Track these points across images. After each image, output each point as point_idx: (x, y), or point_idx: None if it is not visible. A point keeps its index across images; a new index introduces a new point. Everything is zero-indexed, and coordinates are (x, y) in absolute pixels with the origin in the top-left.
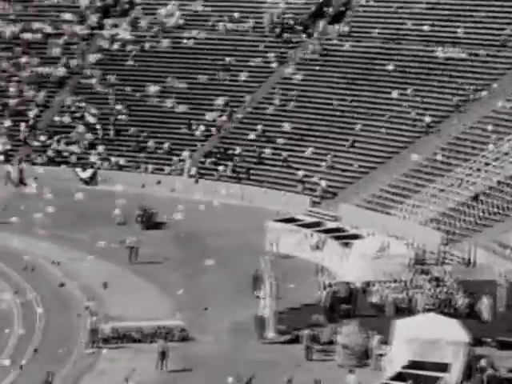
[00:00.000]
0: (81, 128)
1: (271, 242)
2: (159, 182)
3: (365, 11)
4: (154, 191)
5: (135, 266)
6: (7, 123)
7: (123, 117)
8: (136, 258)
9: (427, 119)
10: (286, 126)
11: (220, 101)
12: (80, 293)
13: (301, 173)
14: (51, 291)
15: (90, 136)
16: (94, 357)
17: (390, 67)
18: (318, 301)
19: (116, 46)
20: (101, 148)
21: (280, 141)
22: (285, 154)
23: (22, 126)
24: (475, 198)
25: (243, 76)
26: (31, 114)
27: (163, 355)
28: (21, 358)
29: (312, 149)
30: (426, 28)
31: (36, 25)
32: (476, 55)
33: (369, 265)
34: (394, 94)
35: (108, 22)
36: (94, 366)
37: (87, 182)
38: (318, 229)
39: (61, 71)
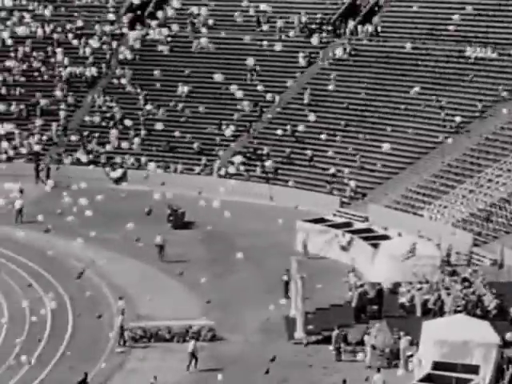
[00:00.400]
0: (111, 128)
1: (304, 243)
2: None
3: (394, 11)
4: (182, 191)
5: (165, 265)
6: (38, 123)
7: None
8: (163, 257)
9: (457, 119)
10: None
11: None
12: (110, 292)
13: (332, 171)
14: (82, 291)
15: (119, 135)
16: (124, 356)
17: (420, 67)
18: (347, 301)
19: (147, 45)
20: (132, 148)
21: (309, 140)
22: (310, 153)
23: (54, 125)
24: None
25: (272, 77)
26: (62, 113)
27: (193, 356)
28: (51, 357)
29: (342, 149)
30: (456, 28)
31: (68, 25)
32: (509, 55)
33: (397, 266)
34: (423, 93)
35: (139, 21)
36: (124, 364)
37: (117, 181)
38: (347, 229)
39: (92, 71)
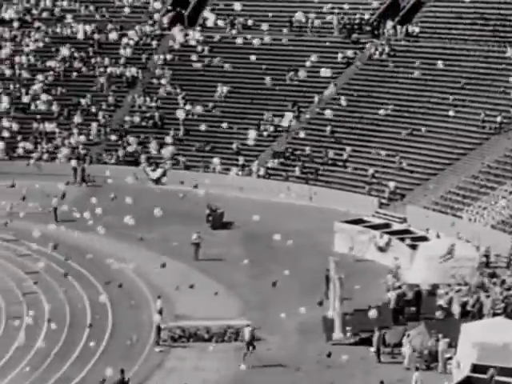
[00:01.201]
0: (150, 128)
1: (349, 245)
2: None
3: (433, 11)
4: (222, 191)
5: (203, 265)
6: (79, 122)
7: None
8: (200, 254)
9: (498, 119)
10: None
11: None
12: (149, 292)
13: (371, 172)
14: (121, 290)
15: (159, 136)
16: (163, 355)
17: (459, 67)
18: (385, 303)
19: (187, 46)
20: (171, 148)
21: (347, 141)
22: (346, 154)
23: (94, 125)
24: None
25: (312, 76)
26: (102, 113)
27: (250, 344)
28: (91, 355)
29: (380, 150)
30: (495, 28)
31: (109, 25)
32: None
33: (436, 267)
34: (462, 94)
35: (178, 22)
36: (163, 364)
37: (157, 181)
38: (385, 230)
39: (132, 71)
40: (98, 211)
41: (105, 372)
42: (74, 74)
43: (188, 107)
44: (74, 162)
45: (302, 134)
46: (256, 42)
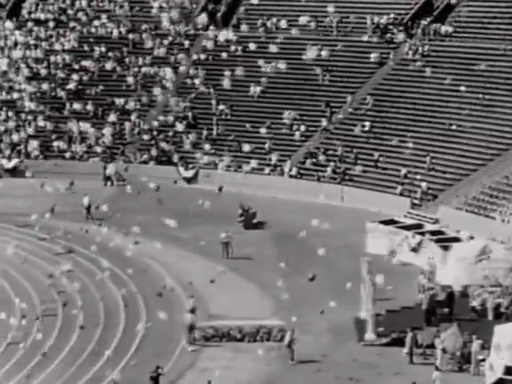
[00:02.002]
0: (183, 128)
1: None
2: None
3: (467, 10)
4: (254, 191)
5: (235, 264)
6: (113, 122)
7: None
8: (230, 253)
9: None
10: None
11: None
12: (182, 291)
13: (403, 172)
14: (155, 290)
15: (193, 135)
16: (196, 354)
17: (492, 67)
18: (418, 303)
19: (220, 46)
20: (205, 147)
21: (379, 141)
22: (377, 154)
23: (127, 125)
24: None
25: (344, 77)
26: (136, 113)
27: (289, 347)
28: (124, 354)
29: (412, 150)
30: None
31: (143, 25)
32: None
33: (468, 268)
34: (497, 94)
35: (213, 22)
36: (195, 363)
37: (189, 180)
38: (417, 231)
39: (165, 71)
40: (129, 210)
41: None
42: (108, 73)
43: (221, 107)
44: (103, 162)
45: (333, 135)
46: (287, 42)
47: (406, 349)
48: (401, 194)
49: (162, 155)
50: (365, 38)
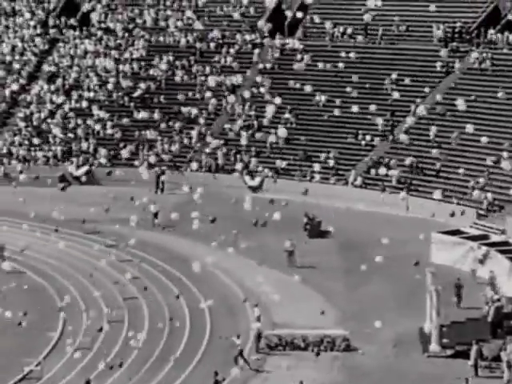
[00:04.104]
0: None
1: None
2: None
3: None
4: (317, 200)
5: (299, 273)
6: (178, 130)
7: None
8: (294, 262)
9: None
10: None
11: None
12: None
13: (471, 184)
14: (218, 296)
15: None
16: (260, 363)
17: None
18: (484, 315)
19: (286, 54)
20: (269, 157)
21: (446, 151)
22: (439, 165)
23: (194, 133)
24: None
25: (410, 85)
26: (202, 121)
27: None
28: (189, 361)
29: (480, 160)
30: None
31: (210, 34)
32: None
33: None
34: None
35: (279, 31)
36: (259, 371)
37: (255, 189)
38: (483, 242)
39: (232, 80)
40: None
41: None
42: (176, 82)
43: (286, 115)
44: (158, 170)
45: (398, 144)
46: (353, 50)
47: (471, 361)
48: (466, 205)
49: (227, 164)
50: (431, 47)
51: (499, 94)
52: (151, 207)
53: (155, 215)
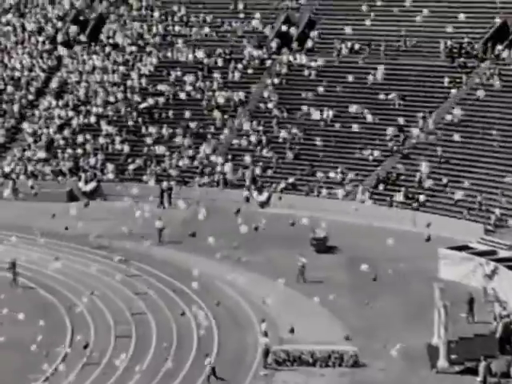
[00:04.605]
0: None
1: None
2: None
3: None
4: (325, 215)
5: (306, 288)
6: (188, 146)
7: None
8: (304, 279)
9: None
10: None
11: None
12: (253, 314)
13: (478, 199)
14: (226, 311)
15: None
16: (268, 378)
17: None
18: (492, 331)
19: (294, 70)
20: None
21: (451, 166)
22: (446, 180)
23: (202, 148)
24: None
25: (415, 101)
26: (210, 136)
27: None
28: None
29: (486, 176)
30: None
31: (218, 49)
32: None
33: None
34: None
35: (286, 46)
36: None
37: (262, 205)
38: (491, 257)
39: (239, 95)
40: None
41: None
42: (183, 97)
43: (294, 130)
44: (164, 184)
45: (406, 159)
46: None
47: (479, 377)
48: (474, 220)
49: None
50: (438, 62)
51: None
52: (156, 223)
53: (160, 231)
